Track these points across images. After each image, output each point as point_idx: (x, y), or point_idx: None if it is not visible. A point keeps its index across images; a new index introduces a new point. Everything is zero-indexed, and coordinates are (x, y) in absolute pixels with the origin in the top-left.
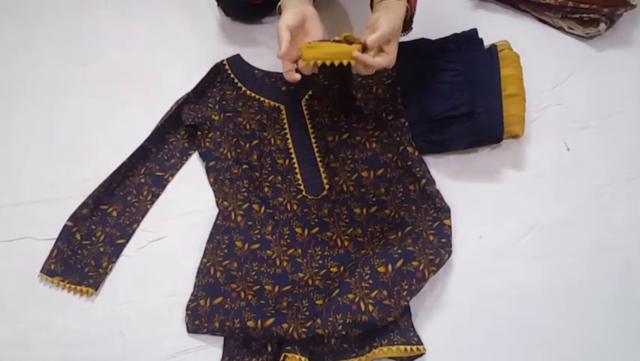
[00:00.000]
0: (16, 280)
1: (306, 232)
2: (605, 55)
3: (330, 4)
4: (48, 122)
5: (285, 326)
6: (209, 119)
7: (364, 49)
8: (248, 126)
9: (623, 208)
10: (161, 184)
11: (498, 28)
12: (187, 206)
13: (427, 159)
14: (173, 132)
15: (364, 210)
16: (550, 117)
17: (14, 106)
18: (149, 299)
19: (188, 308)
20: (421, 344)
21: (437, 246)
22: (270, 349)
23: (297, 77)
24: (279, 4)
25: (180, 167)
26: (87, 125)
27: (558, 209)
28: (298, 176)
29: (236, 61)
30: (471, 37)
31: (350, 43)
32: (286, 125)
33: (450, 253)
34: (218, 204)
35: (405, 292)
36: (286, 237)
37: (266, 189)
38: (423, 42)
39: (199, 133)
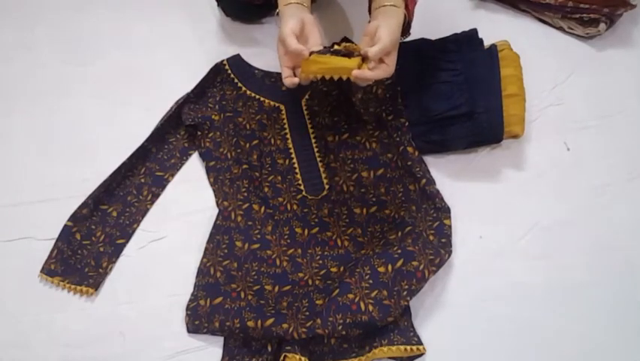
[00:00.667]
0: (16, 280)
1: (306, 232)
2: (605, 55)
3: (329, 6)
4: (48, 122)
5: (285, 326)
6: (209, 119)
7: (364, 59)
8: (248, 126)
9: (623, 208)
10: (161, 184)
11: (498, 28)
12: (187, 206)
13: (427, 159)
14: (173, 132)
15: (364, 210)
16: (550, 117)
17: (14, 106)
18: (149, 299)
19: (188, 308)
20: (421, 344)
21: (437, 246)
22: (270, 349)
23: (296, 81)
24: (277, 10)
25: (180, 167)
26: (87, 125)
27: (558, 209)
28: (298, 176)
29: (236, 61)
30: (471, 37)
31: (350, 52)
32: (286, 125)
33: (450, 253)
34: (218, 204)
35: (405, 292)
36: (286, 237)
37: (266, 189)
38: (423, 42)
39: (199, 133)
